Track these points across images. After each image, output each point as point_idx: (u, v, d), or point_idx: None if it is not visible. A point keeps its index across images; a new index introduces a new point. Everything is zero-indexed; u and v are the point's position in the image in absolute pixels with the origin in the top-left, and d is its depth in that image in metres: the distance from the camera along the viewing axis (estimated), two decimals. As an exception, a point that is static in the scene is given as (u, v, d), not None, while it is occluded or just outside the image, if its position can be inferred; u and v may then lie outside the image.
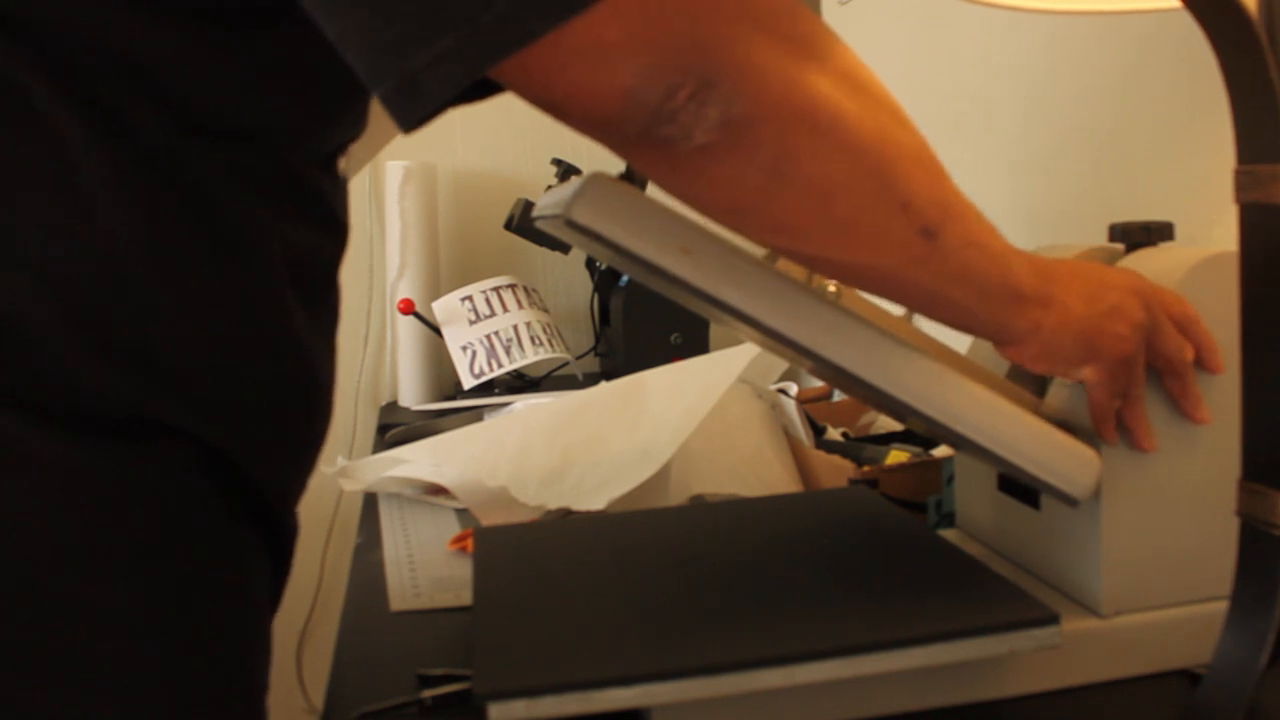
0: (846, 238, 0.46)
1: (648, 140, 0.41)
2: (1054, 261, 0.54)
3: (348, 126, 0.56)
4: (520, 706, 0.50)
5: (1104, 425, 0.56)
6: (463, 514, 0.95)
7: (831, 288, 0.58)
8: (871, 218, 0.46)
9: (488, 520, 0.88)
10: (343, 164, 0.59)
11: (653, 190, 0.46)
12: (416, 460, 0.97)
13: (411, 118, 0.39)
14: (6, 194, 0.44)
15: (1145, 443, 0.57)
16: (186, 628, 0.48)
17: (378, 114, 0.55)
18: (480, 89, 0.41)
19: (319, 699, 0.62)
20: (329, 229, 0.57)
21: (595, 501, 0.83)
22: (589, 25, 0.38)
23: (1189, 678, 0.59)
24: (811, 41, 0.43)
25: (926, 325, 0.65)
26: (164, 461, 0.48)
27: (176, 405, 0.48)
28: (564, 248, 1.59)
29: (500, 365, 1.45)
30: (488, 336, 1.47)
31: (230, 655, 0.51)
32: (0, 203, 0.44)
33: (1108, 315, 0.53)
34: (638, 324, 1.52)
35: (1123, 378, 0.55)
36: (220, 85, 0.47)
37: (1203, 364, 0.57)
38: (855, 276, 0.49)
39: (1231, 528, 0.51)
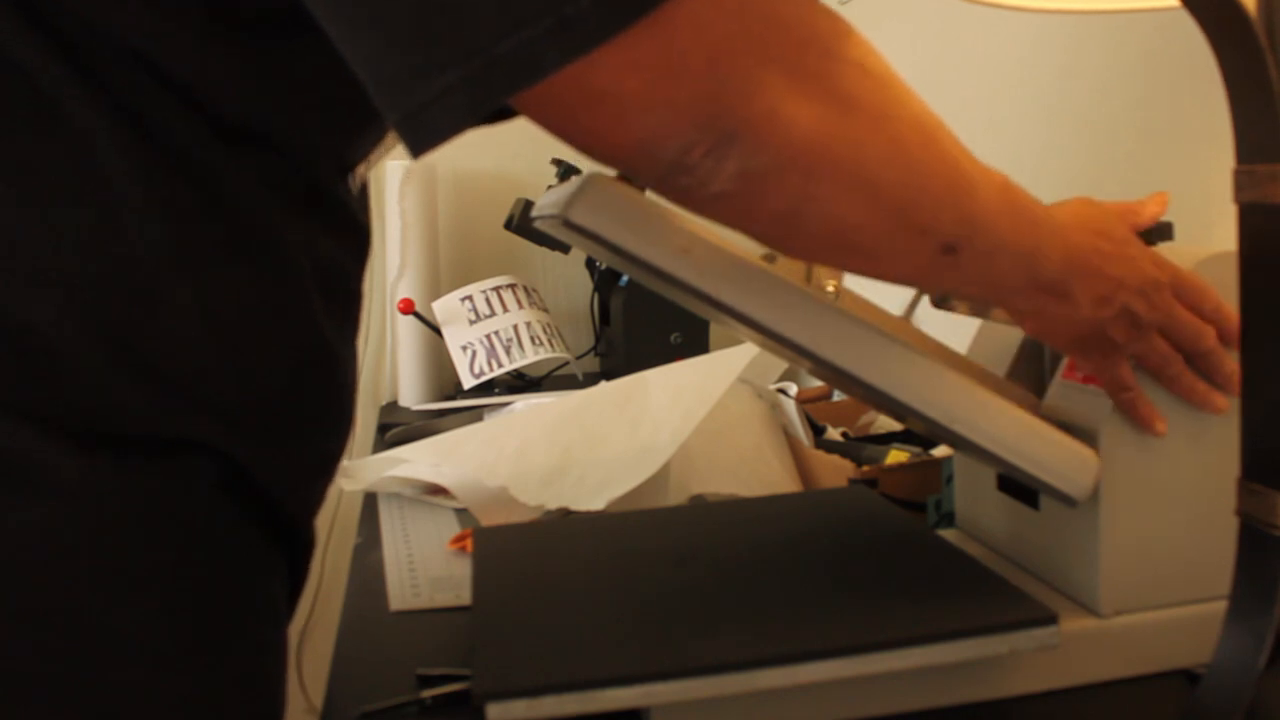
0: (865, 259, 0.46)
1: (664, 185, 0.41)
2: (1091, 245, 0.53)
3: (374, 134, 0.56)
4: (519, 706, 0.50)
5: (1132, 414, 0.58)
6: (462, 514, 0.95)
7: (830, 288, 0.58)
8: (890, 244, 0.45)
9: (487, 520, 0.88)
10: (363, 168, 0.58)
11: (652, 191, 0.46)
12: (416, 460, 0.97)
13: (419, 146, 0.38)
14: (39, 206, 0.43)
15: (1150, 423, 0.58)
16: (208, 651, 0.48)
17: None
18: (500, 111, 0.41)
19: (319, 699, 0.62)
20: (353, 237, 0.56)
21: (595, 501, 0.83)
22: (606, 70, 0.37)
23: (1188, 678, 0.59)
24: (838, 73, 0.42)
25: (926, 325, 0.65)
26: (186, 478, 0.47)
27: (201, 419, 0.47)
28: (564, 248, 1.59)
29: (500, 365, 1.45)
30: (488, 336, 1.47)
31: (250, 676, 0.51)
32: (33, 216, 0.43)
33: (1113, 319, 0.54)
34: (638, 324, 1.52)
35: (1115, 373, 0.56)
36: (247, 94, 0.47)
37: (1226, 341, 0.57)
38: (870, 277, 0.49)
39: (1231, 528, 0.51)
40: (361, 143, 0.55)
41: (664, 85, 0.38)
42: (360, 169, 0.58)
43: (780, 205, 0.42)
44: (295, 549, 0.56)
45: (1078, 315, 0.53)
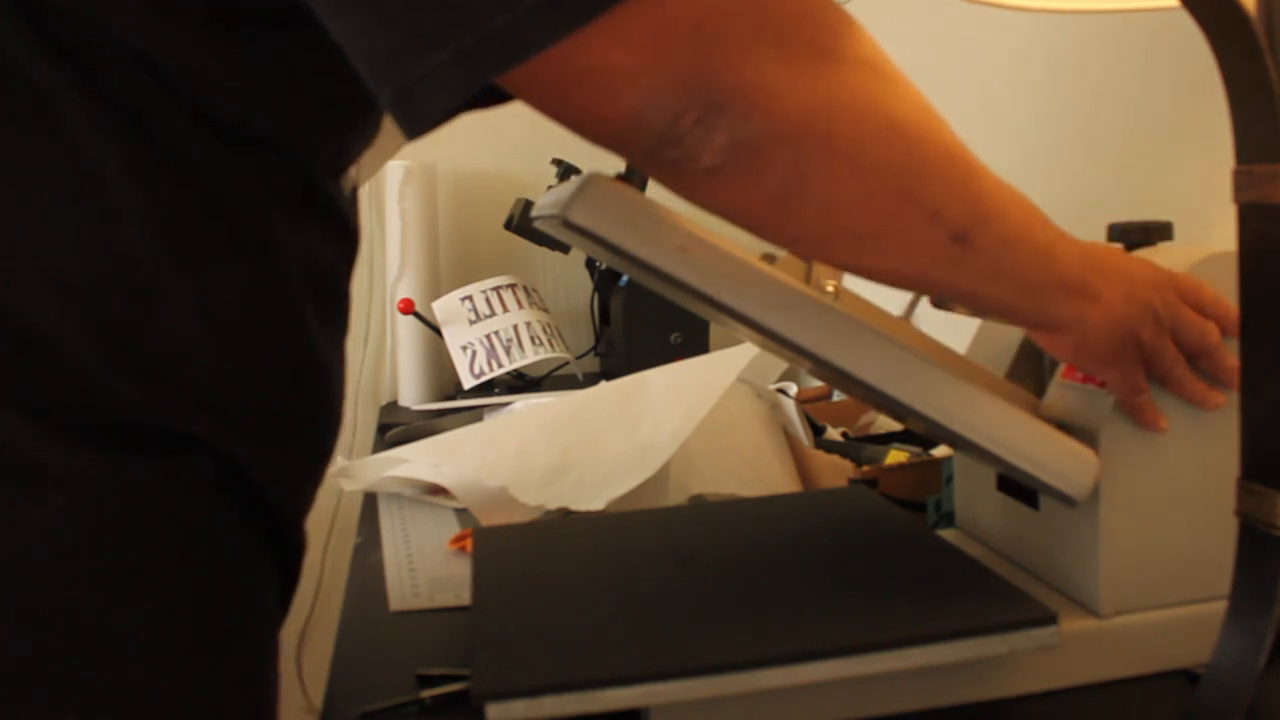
0: (870, 248, 0.45)
1: (655, 160, 0.41)
2: (1098, 250, 0.54)
3: (365, 132, 0.56)
4: (519, 707, 0.50)
5: (1139, 417, 0.57)
6: (462, 514, 0.95)
7: (829, 288, 0.58)
8: (896, 229, 0.45)
9: (487, 520, 0.88)
10: (353, 172, 0.58)
11: (652, 190, 0.46)
12: (416, 460, 0.97)
13: (414, 126, 0.39)
14: (38, 206, 0.43)
15: (1155, 424, 0.58)
16: (208, 651, 0.48)
17: (387, 121, 0.55)
18: (494, 96, 0.41)
19: (319, 698, 0.62)
20: (343, 240, 0.57)
21: (595, 501, 0.83)
22: (596, 45, 0.38)
23: (1188, 678, 0.59)
24: (833, 49, 0.42)
25: (925, 325, 0.65)
26: (186, 477, 0.47)
27: (201, 419, 0.47)
28: (564, 248, 1.59)
29: (500, 365, 1.45)
30: (488, 336, 1.47)
31: (249, 676, 0.51)
32: (32, 216, 0.43)
33: (1140, 317, 0.53)
34: (638, 324, 1.52)
35: (1135, 377, 0.56)
36: (247, 94, 0.47)
37: (1226, 333, 0.57)
38: (885, 279, 0.48)
39: (1231, 528, 0.51)
40: (358, 141, 0.55)
41: (652, 56, 0.38)
42: (351, 171, 0.58)
43: (774, 182, 0.42)
44: (289, 550, 0.56)
45: (1112, 315, 0.52)
